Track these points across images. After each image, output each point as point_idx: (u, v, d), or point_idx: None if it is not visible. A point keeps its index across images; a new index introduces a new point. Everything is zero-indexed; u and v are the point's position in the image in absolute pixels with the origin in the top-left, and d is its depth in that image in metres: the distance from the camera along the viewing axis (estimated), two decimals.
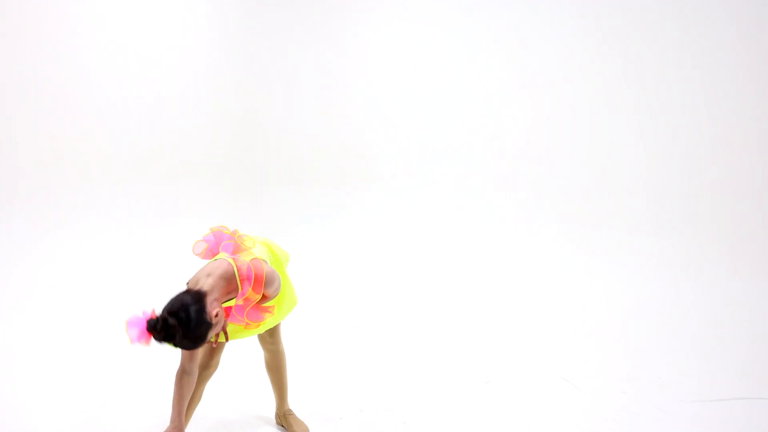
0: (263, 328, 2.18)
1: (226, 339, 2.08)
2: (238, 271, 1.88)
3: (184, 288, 1.87)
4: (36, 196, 4.38)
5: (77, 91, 4.55)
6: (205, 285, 1.82)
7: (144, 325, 1.70)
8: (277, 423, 2.52)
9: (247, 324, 2.03)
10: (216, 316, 1.78)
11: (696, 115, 4.27)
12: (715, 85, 4.19)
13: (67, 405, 2.64)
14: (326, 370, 3.12)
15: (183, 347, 1.76)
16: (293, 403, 2.59)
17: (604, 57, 4.59)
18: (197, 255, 2.02)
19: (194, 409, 2.13)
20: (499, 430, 2.52)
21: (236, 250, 2.02)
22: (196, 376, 1.97)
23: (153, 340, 1.71)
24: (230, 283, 1.89)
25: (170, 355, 3.08)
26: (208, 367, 2.09)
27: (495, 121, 5.09)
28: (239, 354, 2.86)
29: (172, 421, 1.89)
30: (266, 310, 2.02)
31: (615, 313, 3.99)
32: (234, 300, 1.93)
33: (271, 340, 2.32)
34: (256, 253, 2.05)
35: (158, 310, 1.75)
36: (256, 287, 1.89)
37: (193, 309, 1.71)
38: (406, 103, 5.45)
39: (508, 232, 4.96)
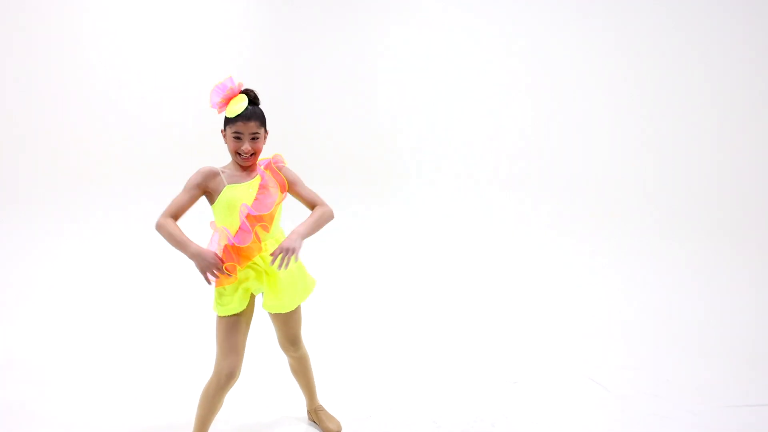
0: (285, 306, 2.12)
1: (231, 273, 1.97)
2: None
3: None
4: (44, 197, 4.30)
5: (89, 93, 4.50)
6: None
7: (226, 89, 1.99)
8: (310, 419, 2.46)
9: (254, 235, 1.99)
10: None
11: (701, 115, 4.30)
12: (720, 85, 4.23)
13: (71, 405, 2.56)
14: (356, 369, 3.05)
15: (254, 114, 2.02)
16: (323, 401, 2.53)
17: (608, 56, 4.63)
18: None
19: (214, 417, 2.06)
20: (527, 430, 2.46)
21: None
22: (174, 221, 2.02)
23: (229, 106, 1.99)
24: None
25: (169, 358, 3.09)
26: (231, 377, 1.99)
27: (497, 121, 5.10)
28: (264, 356, 2.79)
29: (190, 252, 1.91)
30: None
31: (645, 316, 3.95)
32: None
33: (293, 348, 2.28)
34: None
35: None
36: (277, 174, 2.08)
37: None
38: (408, 105, 5.46)
39: (525, 232, 4.93)
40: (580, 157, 4.78)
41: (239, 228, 1.99)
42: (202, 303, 3.91)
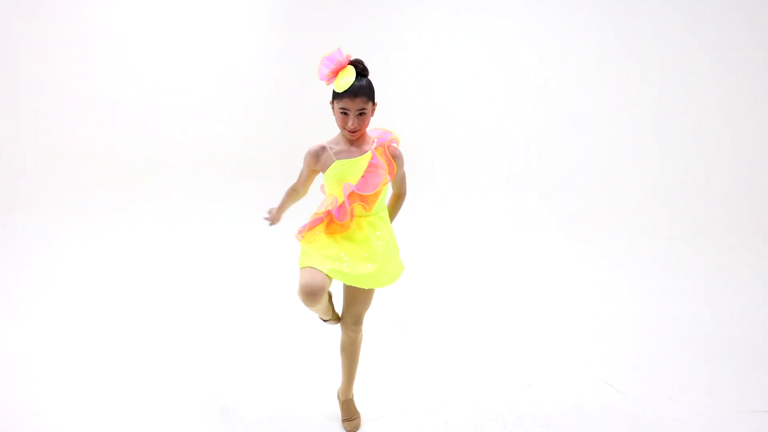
0: (373, 280, 2.13)
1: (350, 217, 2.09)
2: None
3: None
4: (50, 198, 4.28)
5: (94, 94, 4.47)
6: None
7: (335, 61, 1.98)
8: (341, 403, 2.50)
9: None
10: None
11: (710, 115, 4.21)
12: (729, 85, 4.13)
13: (76, 407, 2.59)
14: (367, 369, 3.02)
15: (360, 89, 1.99)
16: (333, 400, 2.53)
17: (615, 54, 4.54)
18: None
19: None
20: None
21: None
22: (301, 197, 2.39)
23: (337, 79, 1.98)
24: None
25: (174, 361, 3.13)
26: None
27: (502, 121, 5.06)
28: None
29: (275, 211, 2.44)
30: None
31: (660, 319, 3.89)
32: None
33: (355, 326, 2.31)
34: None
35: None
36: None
37: None
38: (414, 104, 5.43)
39: (536, 232, 4.90)
40: (593, 158, 4.71)
41: (341, 204, 2.05)
42: (208, 305, 3.97)
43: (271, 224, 2.45)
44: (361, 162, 2.05)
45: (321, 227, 2.12)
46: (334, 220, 2.08)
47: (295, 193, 2.35)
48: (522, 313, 4.00)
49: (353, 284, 2.10)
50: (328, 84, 2.02)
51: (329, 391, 2.69)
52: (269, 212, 2.43)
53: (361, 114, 2.01)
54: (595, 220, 4.69)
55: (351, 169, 2.05)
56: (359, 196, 2.05)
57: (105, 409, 2.52)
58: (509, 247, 4.94)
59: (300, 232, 2.15)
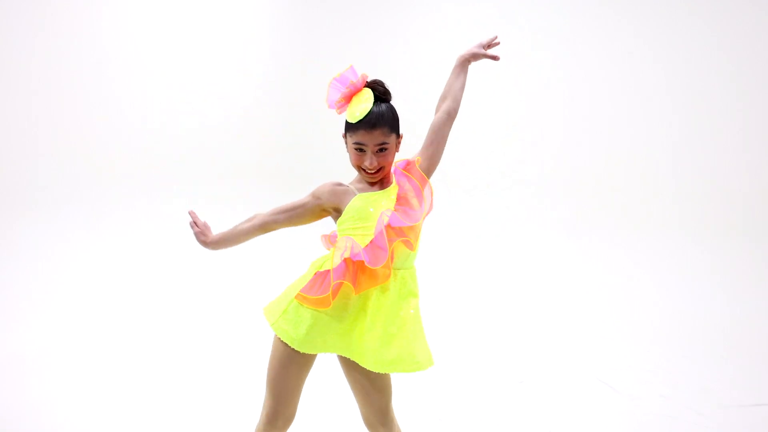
0: (385, 361, 1.53)
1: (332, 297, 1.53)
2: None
3: None
4: (60, 198, 4.32)
5: (108, 93, 4.51)
6: None
7: (347, 83, 1.54)
8: None
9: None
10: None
11: (725, 115, 4.22)
12: (747, 87, 4.14)
13: (86, 408, 2.59)
14: None
15: (380, 118, 1.53)
16: (330, 399, 2.52)
17: (637, 54, 4.54)
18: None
19: None
20: (533, 431, 2.45)
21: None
22: (261, 233, 1.69)
23: (350, 107, 1.55)
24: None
25: (188, 365, 3.13)
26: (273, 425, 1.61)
27: (512, 122, 5.06)
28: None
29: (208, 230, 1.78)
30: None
31: (654, 317, 3.91)
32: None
33: (383, 426, 1.73)
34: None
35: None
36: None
37: None
38: (419, 103, 5.43)
39: (535, 230, 4.91)
40: (596, 156, 4.72)
41: (371, 242, 1.49)
42: (217, 306, 3.98)
43: (200, 239, 1.75)
44: (388, 195, 1.57)
45: (347, 286, 1.52)
46: (362, 270, 1.50)
47: (261, 227, 1.67)
48: (516, 311, 4.02)
49: (368, 366, 1.54)
50: (339, 112, 1.59)
51: (329, 393, 2.69)
52: (195, 221, 1.78)
53: (381, 150, 1.54)
54: (589, 219, 4.71)
55: (378, 203, 1.55)
56: (398, 230, 1.51)
57: (107, 408, 2.53)
58: (505, 246, 4.95)
59: (304, 294, 1.56)
